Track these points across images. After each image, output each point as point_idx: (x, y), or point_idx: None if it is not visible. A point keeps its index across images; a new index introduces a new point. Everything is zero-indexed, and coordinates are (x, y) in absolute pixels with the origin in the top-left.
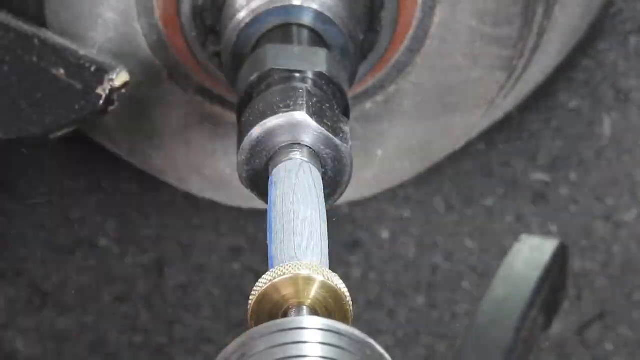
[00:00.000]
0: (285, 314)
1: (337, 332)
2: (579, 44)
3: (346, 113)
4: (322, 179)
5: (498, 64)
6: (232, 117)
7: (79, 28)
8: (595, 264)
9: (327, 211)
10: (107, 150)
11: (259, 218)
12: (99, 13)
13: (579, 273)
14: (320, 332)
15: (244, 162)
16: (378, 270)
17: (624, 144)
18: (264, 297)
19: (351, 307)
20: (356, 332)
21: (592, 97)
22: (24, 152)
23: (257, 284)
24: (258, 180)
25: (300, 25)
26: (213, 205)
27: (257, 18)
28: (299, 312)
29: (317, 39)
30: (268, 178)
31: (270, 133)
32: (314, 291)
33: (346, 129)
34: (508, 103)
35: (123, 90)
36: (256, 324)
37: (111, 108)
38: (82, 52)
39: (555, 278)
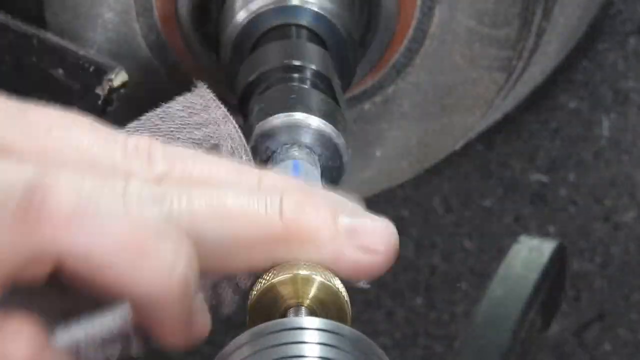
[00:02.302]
0: (283, 314)
1: (336, 333)
2: (577, 45)
3: (345, 114)
4: (321, 178)
5: (497, 65)
6: None
7: (78, 28)
8: (594, 265)
9: None
10: None
11: None
12: (98, 13)
13: (577, 274)
14: (319, 332)
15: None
16: None
17: (622, 145)
18: (262, 297)
19: (350, 308)
20: (355, 333)
21: (591, 98)
22: None
23: (255, 283)
24: None
25: (299, 26)
26: None
27: (256, 18)
28: (297, 313)
29: (316, 39)
30: None
31: (269, 134)
32: (312, 291)
33: (345, 129)
34: (507, 104)
35: (122, 91)
36: (254, 324)
37: (110, 108)
38: (81, 52)
39: (553, 279)
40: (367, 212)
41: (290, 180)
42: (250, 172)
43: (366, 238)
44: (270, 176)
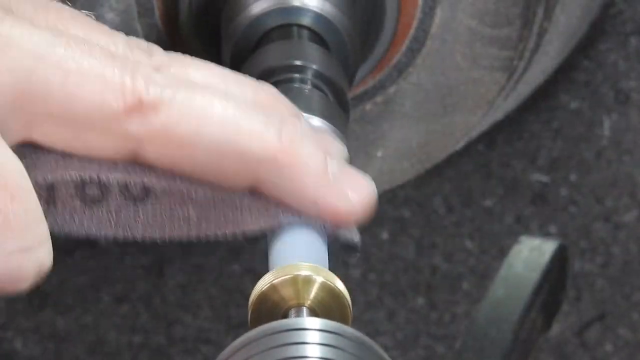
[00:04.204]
0: (285, 315)
1: (337, 333)
2: (579, 45)
3: (346, 114)
4: None
5: (498, 65)
6: None
7: None
8: (595, 265)
9: None
10: None
11: None
12: (99, 14)
13: (578, 274)
14: (320, 333)
15: None
16: (377, 271)
17: (623, 145)
18: (263, 298)
19: (351, 308)
20: (356, 333)
21: (592, 98)
22: None
23: (256, 284)
24: None
25: (300, 26)
26: None
27: (258, 19)
28: (298, 313)
29: (317, 39)
30: None
31: None
32: (313, 292)
33: (345, 130)
34: (508, 104)
35: None
36: (256, 325)
37: None
38: None
39: (554, 279)
40: (352, 167)
41: (290, 107)
42: (250, 85)
43: (348, 187)
44: (272, 95)
